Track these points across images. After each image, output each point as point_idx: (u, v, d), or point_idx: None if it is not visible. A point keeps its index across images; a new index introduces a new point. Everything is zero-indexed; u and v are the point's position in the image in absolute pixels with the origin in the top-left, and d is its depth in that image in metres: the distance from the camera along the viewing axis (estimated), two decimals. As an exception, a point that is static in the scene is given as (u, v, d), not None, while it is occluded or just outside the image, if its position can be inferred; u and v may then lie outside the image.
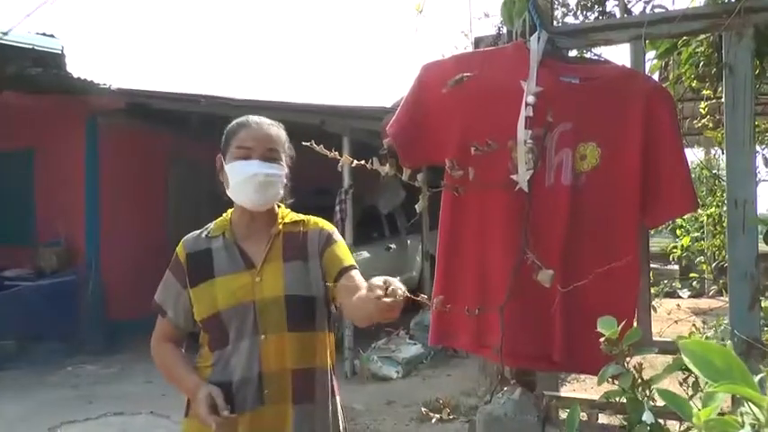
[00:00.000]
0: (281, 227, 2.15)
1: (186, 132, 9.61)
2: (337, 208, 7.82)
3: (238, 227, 2.15)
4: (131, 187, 9.84)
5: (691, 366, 0.71)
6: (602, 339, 1.46)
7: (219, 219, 2.20)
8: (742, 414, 0.72)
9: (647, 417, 1.31)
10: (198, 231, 2.19)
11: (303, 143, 2.13)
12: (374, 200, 9.99)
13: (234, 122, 2.17)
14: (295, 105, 8.30)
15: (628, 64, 2.36)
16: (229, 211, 2.20)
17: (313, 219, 2.23)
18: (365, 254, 9.51)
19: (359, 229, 8.66)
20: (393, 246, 10.59)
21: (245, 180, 2.04)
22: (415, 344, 8.12)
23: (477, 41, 2.58)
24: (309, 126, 7.72)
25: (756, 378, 0.71)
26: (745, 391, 0.66)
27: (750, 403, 0.69)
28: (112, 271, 9.34)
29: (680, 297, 10.69)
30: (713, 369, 0.70)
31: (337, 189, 7.89)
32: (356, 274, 2.13)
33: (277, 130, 2.16)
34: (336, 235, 2.23)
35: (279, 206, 2.20)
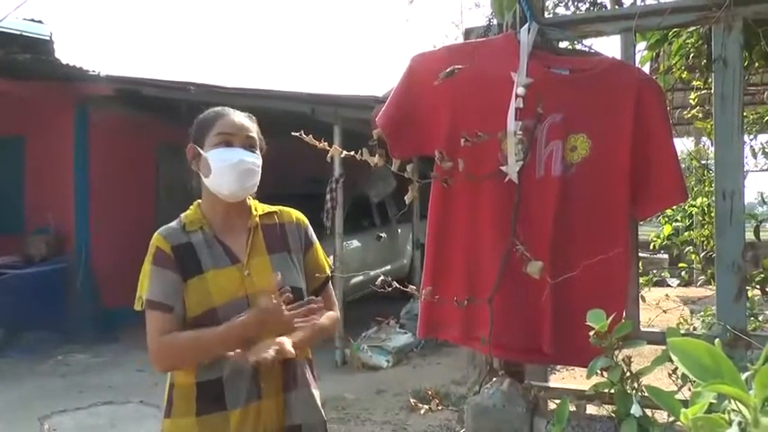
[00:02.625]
0: (257, 219, 2.13)
1: (176, 119, 9.54)
2: (328, 197, 7.81)
3: (214, 220, 2.09)
4: (121, 174, 9.78)
5: (679, 365, 0.72)
6: (591, 332, 1.46)
7: (189, 212, 2.13)
8: (729, 412, 0.72)
9: (635, 409, 1.31)
10: (171, 224, 2.10)
11: (293, 133, 2.12)
12: (365, 189, 9.98)
13: (209, 111, 2.14)
14: (286, 94, 8.28)
15: (618, 55, 2.37)
16: (196, 203, 2.15)
17: (285, 209, 2.23)
18: (356, 243, 9.51)
19: (350, 217, 8.66)
20: (384, 235, 10.59)
21: (229, 166, 2.01)
22: (405, 333, 8.14)
23: (468, 32, 2.57)
24: (300, 114, 7.70)
25: (744, 375, 0.71)
26: (733, 391, 0.66)
27: (737, 402, 0.70)
28: (103, 259, 9.30)
29: (669, 286, 10.74)
30: (701, 368, 0.71)
31: (329, 177, 7.87)
32: (330, 288, 2.27)
33: (251, 122, 2.15)
34: (311, 232, 2.25)
35: (249, 198, 2.17)
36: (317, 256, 2.23)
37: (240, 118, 2.12)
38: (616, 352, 1.52)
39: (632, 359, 1.67)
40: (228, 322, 1.92)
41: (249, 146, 2.07)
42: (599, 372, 1.54)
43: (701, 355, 0.71)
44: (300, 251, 2.17)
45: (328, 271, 2.24)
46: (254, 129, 2.13)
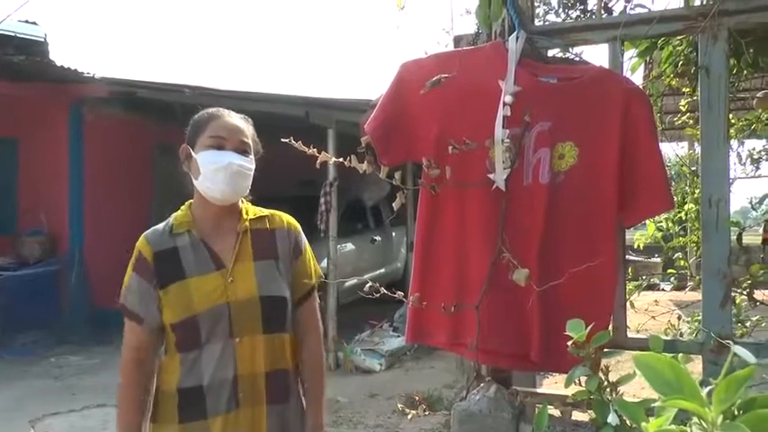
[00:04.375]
0: (247, 224, 2.10)
1: (171, 121, 9.52)
2: (322, 200, 7.81)
3: (203, 222, 2.06)
4: (116, 176, 9.77)
5: (643, 380, 0.73)
6: (569, 342, 1.48)
7: (179, 213, 2.09)
8: (692, 425, 0.74)
9: (612, 419, 1.33)
10: (159, 226, 2.07)
11: (286, 138, 2.12)
12: (359, 192, 9.99)
13: (203, 112, 2.11)
14: (280, 97, 8.28)
15: (607, 64, 2.39)
16: (188, 203, 2.13)
17: (277, 214, 2.19)
18: (350, 246, 9.52)
19: (344, 220, 8.67)
20: (378, 238, 10.60)
21: (218, 169, 1.97)
22: (398, 336, 8.14)
23: (457, 40, 2.59)
24: (295, 118, 7.71)
25: (705, 390, 0.73)
26: (692, 406, 0.68)
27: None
28: (96, 260, 9.27)
29: (663, 290, 10.77)
30: (664, 382, 0.72)
31: (323, 180, 7.88)
32: (314, 299, 2.21)
33: (246, 124, 2.12)
34: (303, 238, 2.21)
35: (242, 201, 2.14)
36: (306, 265, 2.18)
37: (234, 120, 2.08)
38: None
39: (621, 364, 1.68)
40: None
41: (243, 150, 2.04)
42: (576, 381, 1.55)
43: (663, 370, 0.73)
44: (289, 258, 2.12)
45: (313, 280, 2.18)
46: (248, 131, 2.10)
